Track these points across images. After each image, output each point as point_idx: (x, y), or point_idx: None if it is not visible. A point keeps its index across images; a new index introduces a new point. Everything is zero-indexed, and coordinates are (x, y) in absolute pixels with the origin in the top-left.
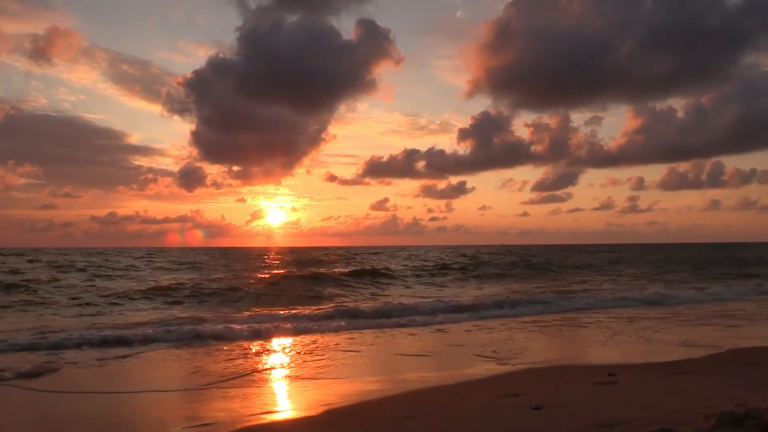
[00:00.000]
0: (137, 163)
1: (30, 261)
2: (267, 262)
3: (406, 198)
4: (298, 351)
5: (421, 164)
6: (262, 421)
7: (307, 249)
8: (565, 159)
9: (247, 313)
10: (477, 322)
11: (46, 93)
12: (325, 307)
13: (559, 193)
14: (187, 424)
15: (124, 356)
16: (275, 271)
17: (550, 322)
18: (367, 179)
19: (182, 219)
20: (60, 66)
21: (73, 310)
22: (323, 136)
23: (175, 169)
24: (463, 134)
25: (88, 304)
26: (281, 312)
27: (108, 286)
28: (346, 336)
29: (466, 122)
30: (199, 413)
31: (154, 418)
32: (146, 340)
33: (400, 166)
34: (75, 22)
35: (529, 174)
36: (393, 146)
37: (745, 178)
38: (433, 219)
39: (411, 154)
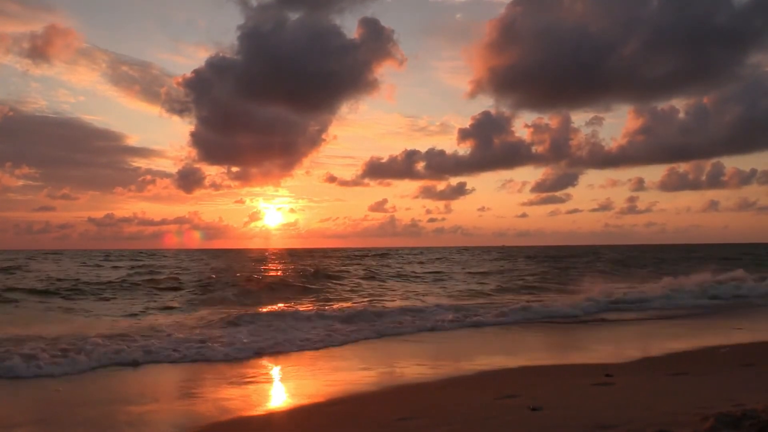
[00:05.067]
0: (136, 164)
1: None
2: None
3: (405, 199)
4: None
5: (420, 165)
6: (263, 413)
7: (305, 251)
8: (566, 160)
9: None
10: None
11: (46, 94)
12: None
13: (558, 194)
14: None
15: None
16: None
17: None
18: (366, 180)
19: (180, 221)
20: (59, 67)
21: None
22: (324, 136)
23: (174, 170)
24: (463, 134)
25: None
26: None
27: None
28: None
29: (465, 125)
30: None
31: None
32: None
33: (400, 167)
34: (74, 23)
35: (529, 175)
36: (392, 147)
37: (745, 178)
38: (432, 220)
39: (411, 155)
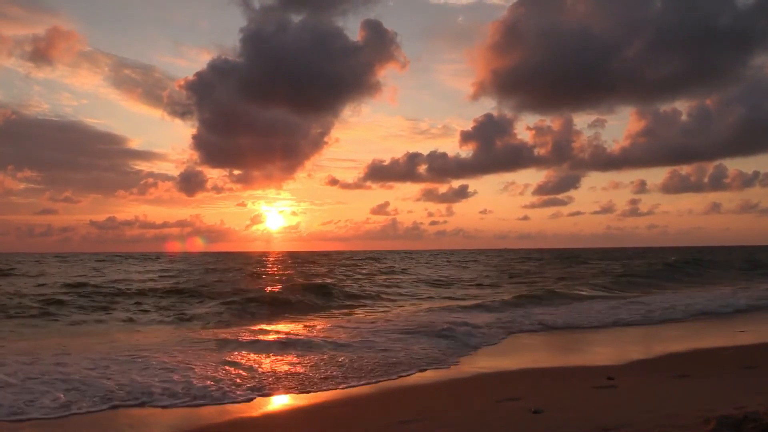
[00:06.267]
0: (138, 167)
1: None
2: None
3: (407, 202)
4: None
5: (422, 168)
6: (263, 414)
7: (307, 254)
8: (568, 162)
9: None
10: None
11: (48, 98)
12: None
13: (560, 196)
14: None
15: None
16: None
17: None
18: (368, 183)
19: (181, 224)
20: (61, 70)
21: None
22: (326, 139)
23: (176, 173)
24: (465, 137)
25: None
26: None
27: None
28: None
29: (467, 127)
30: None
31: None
32: None
33: (402, 170)
34: (76, 26)
35: (531, 177)
36: (394, 150)
37: (748, 181)
38: (434, 223)
39: (413, 158)
